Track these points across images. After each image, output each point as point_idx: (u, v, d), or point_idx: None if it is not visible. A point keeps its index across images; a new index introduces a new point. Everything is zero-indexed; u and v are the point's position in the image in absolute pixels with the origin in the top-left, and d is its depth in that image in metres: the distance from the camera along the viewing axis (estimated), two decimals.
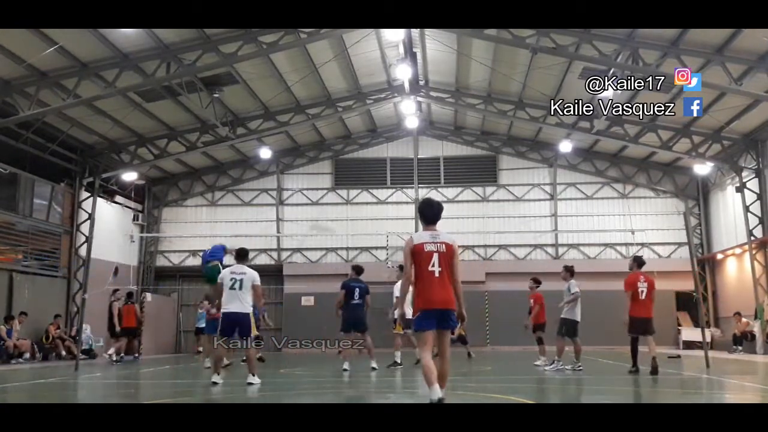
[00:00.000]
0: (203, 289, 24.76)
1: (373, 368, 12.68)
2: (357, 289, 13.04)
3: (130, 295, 20.50)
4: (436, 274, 6.01)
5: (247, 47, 16.79)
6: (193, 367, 16.61)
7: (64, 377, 12.75)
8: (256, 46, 16.84)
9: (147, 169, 24.25)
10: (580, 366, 12.53)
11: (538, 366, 13.71)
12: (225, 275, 9.99)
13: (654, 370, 11.03)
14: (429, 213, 6.34)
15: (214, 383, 9.66)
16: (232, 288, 9.80)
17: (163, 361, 19.10)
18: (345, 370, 12.55)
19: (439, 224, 6.38)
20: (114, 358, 17.66)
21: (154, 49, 16.61)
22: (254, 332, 10.07)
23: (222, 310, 9.91)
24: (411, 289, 6.18)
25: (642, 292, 11.49)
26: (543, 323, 14.31)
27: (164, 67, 16.96)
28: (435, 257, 6.04)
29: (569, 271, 13.40)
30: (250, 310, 9.87)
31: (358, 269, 13.62)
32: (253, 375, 9.85)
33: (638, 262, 12.06)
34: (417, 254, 6.09)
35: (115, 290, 20.00)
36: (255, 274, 9.97)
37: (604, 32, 16.41)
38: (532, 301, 14.30)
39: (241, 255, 10.31)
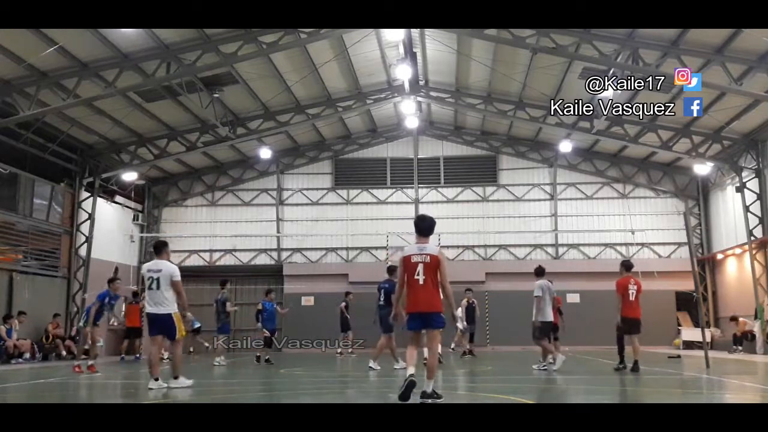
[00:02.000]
0: (203, 289, 24.86)
1: (371, 368, 12.70)
2: (381, 291, 13.29)
3: (135, 294, 20.62)
4: (420, 282, 6.95)
5: (247, 47, 16.79)
6: (193, 367, 16.61)
7: (64, 377, 12.74)
8: (256, 46, 16.84)
9: (147, 169, 24.24)
10: (544, 366, 12.67)
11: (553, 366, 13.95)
12: (144, 274, 9.20)
13: (635, 368, 11.54)
14: (422, 226, 7.26)
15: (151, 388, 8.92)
16: (150, 288, 9.02)
17: (163, 361, 19.07)
18: (396, 368, 12.56)
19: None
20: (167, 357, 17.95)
21: (154, 49, 16.61)
22: (181, 333, 9.14)
23: (145, 311, 9.34)
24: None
25: (631, 294, 12.11)
26: (555, 324, 14.66)
27: (164, 67, 16.96)
28: (420, 267, 6.97)
29: (535, 272, 13.37)
30: (171, 309, 9.04)
31: (388, 269, 13.71)
32: (176, 378, 9.14)
33: (626, 266, 12.62)
34: (406, 265, 7.07)
35: None
36: (172, 270, 9.13)
37: (604, 32, 16.40)
38: None
39: (157, 249, 9.38)
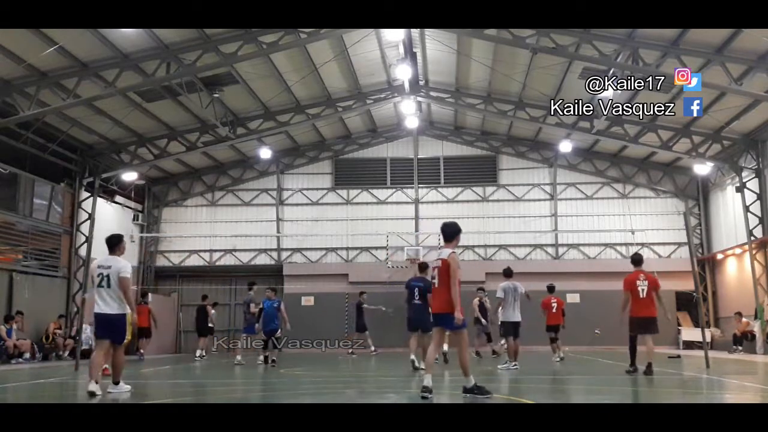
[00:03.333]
0: (203, 289, 24.83)
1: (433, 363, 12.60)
2: (416, 289, 12.51)
3: (144, 294, 20.97)
4: (436, 285, 7.75)
5: (247, 47, 16.79)
6: (193, 366, 16.62)
7: (64, 377, 12.74)
8: (256, 46, 16.83)
9: (147, 169, 24.25)
10: (515, 365, 12.71)
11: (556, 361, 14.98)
12: (93, 271, 8.53)
13: (648, 370, 10.88)
14: (447, 231, 7.97)
15: (93, 393, 8.00)
16: (100, 285, 8.35)
17: (163, 361, 19.11)
18: (416, 368, 12.31)
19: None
20: (201, 355, 19.01)
21: (154, 49, 16.61)
22: (128, 336, 8.60)
23: (94, 311, 8.54)
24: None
25: (642, 290, 11.25)
26: (555, 325, 15.59)
27: (164, 67, 16.96)
28: (435, 272, 7.75)
29: (503, 272, 13.31)
30: (124, 309, 8.42)
31: (421, 266, 12.97)
32: (116, 383, 8.53)
33: (633, 259, 11.83)
34: (432, 269, 7.92)
35: (205, 296, 21.34)
36: (122, 265, 8.43)
37: (604, 32, 16.40)
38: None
39: (110, 244, 8.65)
